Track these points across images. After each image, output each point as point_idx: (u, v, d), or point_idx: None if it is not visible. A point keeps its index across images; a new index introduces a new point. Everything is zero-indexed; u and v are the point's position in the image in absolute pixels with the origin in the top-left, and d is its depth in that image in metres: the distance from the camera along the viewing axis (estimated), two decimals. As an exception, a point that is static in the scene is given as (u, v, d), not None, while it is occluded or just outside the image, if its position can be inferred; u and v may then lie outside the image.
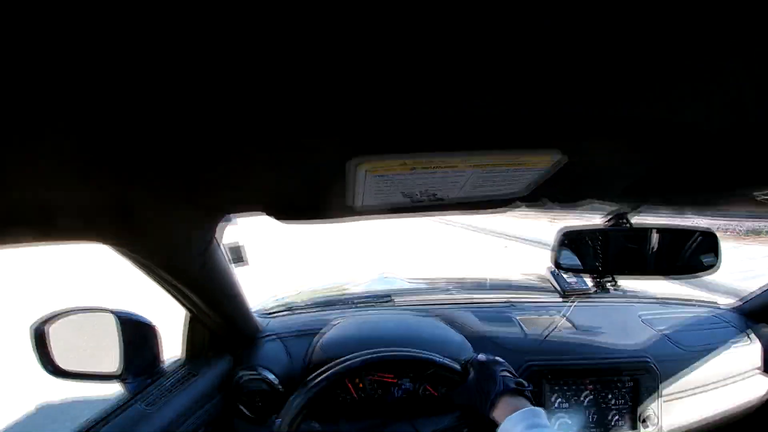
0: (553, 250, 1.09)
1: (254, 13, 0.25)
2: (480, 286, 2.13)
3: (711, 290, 5.34)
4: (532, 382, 1.24)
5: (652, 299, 1.81)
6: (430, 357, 0.99)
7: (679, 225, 1.11)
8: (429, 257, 9.15)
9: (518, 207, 0.80)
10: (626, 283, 1.64)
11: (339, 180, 0.56)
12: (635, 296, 1.83)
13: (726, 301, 1.77)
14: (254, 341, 1.37)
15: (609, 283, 1.37)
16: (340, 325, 1.43)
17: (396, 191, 0.60)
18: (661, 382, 1.29)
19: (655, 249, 1.07)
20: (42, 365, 0.93)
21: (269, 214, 0.74)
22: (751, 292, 1.65)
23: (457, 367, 0.96)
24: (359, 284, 2.23)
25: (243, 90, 0.33)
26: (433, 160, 0.51)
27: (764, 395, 1.46)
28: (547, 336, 1.40)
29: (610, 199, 0.91)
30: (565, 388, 1.26)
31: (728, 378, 1.43)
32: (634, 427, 1.26)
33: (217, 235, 0.92)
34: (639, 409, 1.26)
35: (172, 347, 1.23)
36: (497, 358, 0.98)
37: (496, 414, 0.85)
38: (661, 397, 1.28)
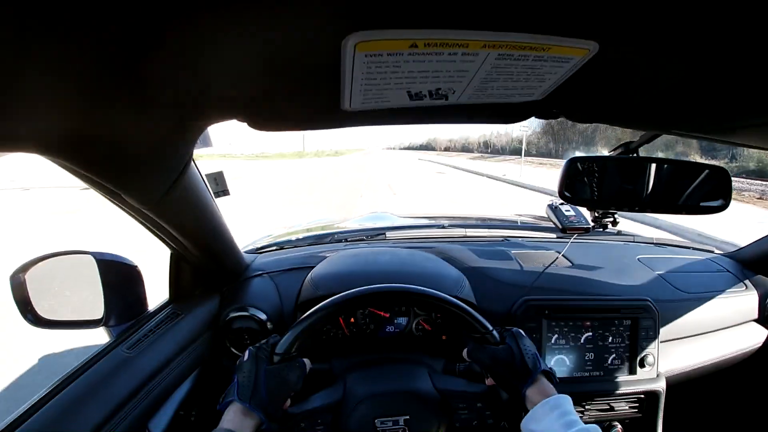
0: (560, 179, 1.03)
1: None
2: (475, 222, 2.11)
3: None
4: (530, 319, 1.23)
5: (648, 241, 1.81)
6: (467, 309, 0.93)
7: (690, 160, 1.06)
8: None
9: (530, 117, 0.74)
10: (622, 225, 1.64)
11: (331, 70, 0.48)
12: (631, 237, 1.83)
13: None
14: (242, 279, 1.33)
15: (609, 221, 1.34)
16: (331, 259, 1.40)
17: (393, 81, 0.52)
18: (659, 324, 1.28)
19: (664, 183, 1.01)
20: (22, 315, 0.90)
21: (248, 120, 0.64)
22: (749, 242, 1.65)
23: (491, 328, 0.92)
24: (351, 221, 2.20)
25: None
26: (442, 38, 0.43)
27: (757, 344, 1.48)
28: (544, 272, 1.38)
29: (625, 121, 0.84)
30: (563, 326, 1.24)
31: (724, 325, 1.44)
32: (631, 368, 1.26)
33: (194, 160, 0.83)
34: (637, 351, 1.26)
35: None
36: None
37: (530, 392, 0.83)
38: (659, 339, 1.27)
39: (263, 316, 1.20)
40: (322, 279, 1.27)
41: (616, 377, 1.25)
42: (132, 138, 0.60)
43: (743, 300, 1.47)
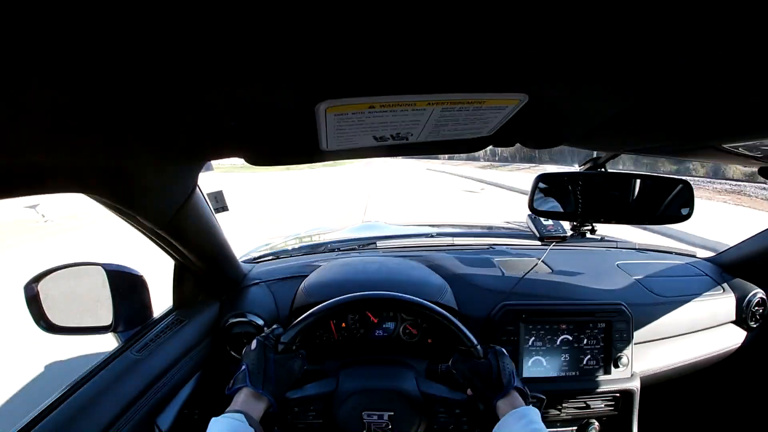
0: (529, 194, 1.11)
1: None
2: (462, 230, 2.17)
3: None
4: (508, 323, 1.30)
5: (630, 247, 1.86)
6: (456, 323, 1.01)
7: (653, 173, 1.12)
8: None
9: (487, 147, 0.82)
10: (606, 231, 1.68)
11: (308, 122, 0.57)
12: (614, 243, 1.88)
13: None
14: (240, 287, 1.41)
15: (587, 230, 1.41)
16: (323, 268, 1.47)
17: (360, 131, 0.62)
18: (634, 327, 1.34)
19: (629, 196, 1.08)
20: (36, 322, 0.96)
21: (246, 158, 0.76)
22: (729, 246, 1.70)
23: (476, 344, 1.00)
24: (343, 230, 2.26)
25: (213, 35, 0.34)
26: (394, 101, 0.52)
27: (735, 345, 1.53)
28: (523, 278, 1.45)
29: (581, 143, 0.92)
30: (540, 329, 1.31)
31: (701, 327, 1.50)
32: (606, 369, 1.32)
33: (198, 183, 0.94)
34: (612, 352, 1.31)
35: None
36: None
37: (502, 404, 0.91)
38: (633, 341, 1.33)
39: (260, 322, 1.28)
40: (315, 287, 1.35)
41: (592, 377, 1.31)
42: (151, 174, 0.73)
43: (721, 303, 1.53)
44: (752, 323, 1.55)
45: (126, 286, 1.10)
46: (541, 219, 1.52)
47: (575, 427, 1.36)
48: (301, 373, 0.99)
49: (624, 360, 1.32)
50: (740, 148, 0.74)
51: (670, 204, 1.11)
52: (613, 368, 1.32)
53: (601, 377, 1.31)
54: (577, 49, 0.41)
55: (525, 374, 1.29)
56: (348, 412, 1.01)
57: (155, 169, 0.73)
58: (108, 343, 1.10)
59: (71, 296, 1.05)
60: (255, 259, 1.67)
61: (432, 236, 1.91)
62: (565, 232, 1.50)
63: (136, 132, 0.55)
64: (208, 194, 1.09)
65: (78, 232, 9.01)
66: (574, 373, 1.31)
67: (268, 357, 0.93)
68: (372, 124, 0.58)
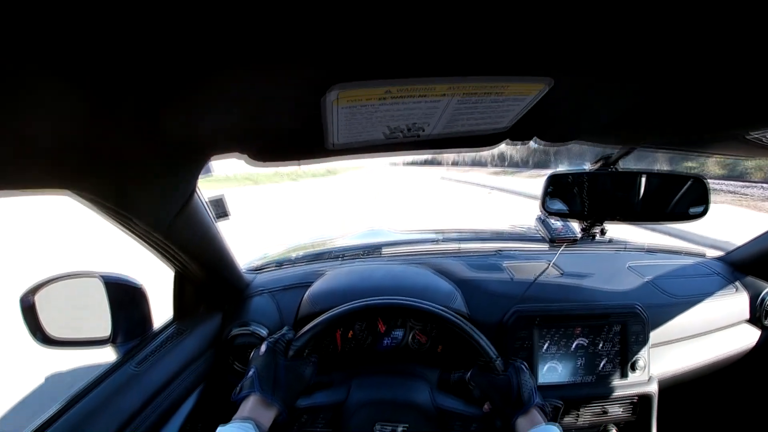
0: (541, 194, 1.08)
1: None
2: (468, 236, 2.14)
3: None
4: (521, 328, 1.27)
5: (639, 248, 1.83)
6: (476, 336, 0.97)
7: (666, 171, 1.10)
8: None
9: (502, 142, 0.79)
10: (614, 233, 1.66)
11: (316, 113, 0.54)
12: (623, 245, 1.85)
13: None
14: (243, 297, 1.37)
15: (597, 231, 1.38)
16: (328, 276, 1.44)
17: (370, 124, 0.59)
18: (649, 329, 1.31)
19: (642, 194, 1.06)
20: (32, 335, 0.93)
21: (248, 154, 0.72)
22: (739, 245, 1.68)
23: (497, 357, 0.96)
24: (348, 237, 2.24)
25: (214, 14, 0.31)
26: (409, 86, 0.49)
27: (750, 344, 1.50)
28: (534, 282, 1.42)
29: (598, 138, 0.89)
30: (554, 333, 1.28)
31: (715, 327, 1.47)
32: (623, 372, 1.29)
33: (197, 187, 0.90)
34: (628, 355, 1.29)
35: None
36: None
37: (522, 421, 0.88)
38: (649, 343, 1.31)
39: (264, 332, 1.24)
40: (320, 295, 1.31)
41: (608, 382, 1.28)
42: (148, 173, 0.68)
43: (734, 301, 1.50)
44: (766, 322, 1.52)
45: (125, 297, 1.07)
46: (551, 221, 1.49)
47: None
48: (312, 381, 0.94)
49: (641, 363, 1.29)
50: (765, 138, 0.71)
51: (686, 202, 1.08)
52: (630, 372, 1.28)
53: (618, 381, 1.28)
54: (605, 31, 0.39)
55: (540, 381, 1.26)
56: (359, 423, 0.98)
57: (152, 169, 0.68)
58: (107, 356, 1.06)
59: (68, 308, 1.02)
60: (257, 268, 1.64)
61: (438, 241, 1.88)
62: (576, 234, 1.47)
63: (129, 120, 0.51)
64: (209, 200, 1.06)
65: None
66: (590, 379, 1.28)
67: (278, 362, 0.89)
68: (386, 113, 0.55)
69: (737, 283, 1.55)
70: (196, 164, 0.78)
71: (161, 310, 1.20)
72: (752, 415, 1.62)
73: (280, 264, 1.66)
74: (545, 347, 1.27)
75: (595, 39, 0.41)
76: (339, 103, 0.50)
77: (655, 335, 1.35)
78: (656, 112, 0.68)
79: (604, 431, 1.31)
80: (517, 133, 0.75)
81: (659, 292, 1.45)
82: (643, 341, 1.29)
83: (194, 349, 1.13)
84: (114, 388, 0.91)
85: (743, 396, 1.64)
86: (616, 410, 1.29)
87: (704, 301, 1.45)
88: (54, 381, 3.05)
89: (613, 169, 1.09)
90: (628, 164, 1.08)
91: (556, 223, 1.50)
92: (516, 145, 0.82)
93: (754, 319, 1.52)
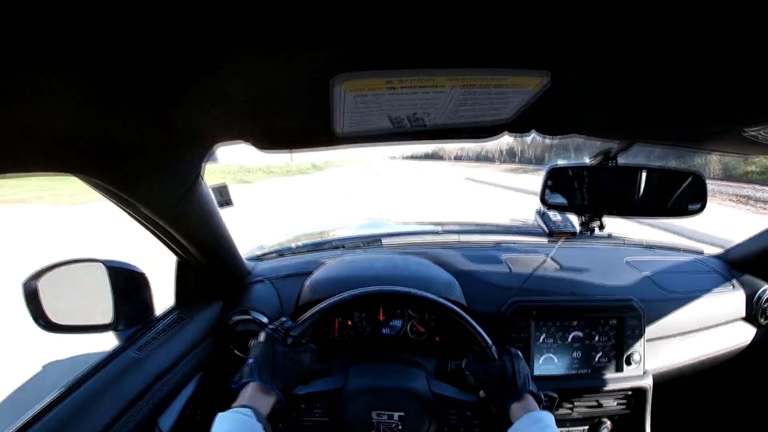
0: (541, 187, 1.08)
1: None
2: (468, 228, 2.15)
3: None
4: (519, 319, 1.28)
5: (638, 243, 1.84)
6: (472, 323, 0.98)
7: (665, 166, 1.11)
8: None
9: (503, 134, 0.80)
10: (613, 228, 1.67)
11: (322, 102, 0.55)
12: (622, 240, 1.86)
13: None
14: (244, 284, 1.39)
15: (596, 225, 1.39)
16: (329, 265, 1.45)
17: (376, 113, 0.59)
18: (645, 323, 1.32)
19: (641, 189, 1.06)
20: (34, 320, 0.93)
21: (253, 143, 0.73)
22: (736, 243, 1.69)
23: (491, 345, 0.97)
24: (349, 227, 2.24)
25: (220, 4, 0.32)
26: (413, 78, 0.50)
27: (745, 342, 1.52)
28: (532, 274, 1.43)
29: (596, 132, 0.90)
30: (551, 326, 1.29)
31: (711, 323, 1.48)
32: (618, 366, 1.30)
33: (202, 175, 0.91)
34: (623, 349, 1.30)
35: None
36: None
37: (515, 407, 0.88)
38: (645, 338, 1.32)
39: (265, 320, 1.26)
40: (320, 284, 1.32)
41: (603, 374, 1.29)
42: (154, 160, 0.70)
43: (730, 299, 1.51)
44: (762, 320, 1.53)
45: (127, 283, 1.08)
46: (550, 214, 1.50)
47: (587, 426, 1.33)
48: (311, 369, 0.95)
49: (636, 357, 1.30)
50: (761, 135, 0.72)
51: (685, 198, 1.08)
52: (625, 365, 1.30)
53: (613, 375, 1.29)
54: (603, 26, 0.40)
55: (536, 372, 1.27)
56: (357, 410, 0.99)
57: (158, 154, 0.70)
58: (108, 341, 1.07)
59: (71, 294, 1.03)
60: (258, 256, 1.65)
61: (437, 233, 1.89)
62: (575, 228, 1.47)
63: (137, 108, 0.52)
64: (213, 187, 1.06)
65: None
66: (585, 371, 1.29)
67: (277, 350, 0.89)
68: (389, 104, 0.56)
69: (734, 281, 1.56)
70: (202, 152, 0.79)
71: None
72: (746, 411, 1.64)
73: (280, 253, 1.67)
74: (542, 339, 1.28)
75: (593, 33, 0.42)
76: (345, 92, 0.51)
77: (651, 330, 1.36)
78: (654, 107, 0.69)
79: (599, 424, 1.32)
80: (517, 125, 0.76)
81: (656, 287, 1.46)
82: (639, 336, 1.30)
83: (195, 335, 1.14)
84: (115, 373, 0.92)
85: (738, 393, 1.65)
86: (610, 403, 1.30)
87: (701, 298, 1.46)
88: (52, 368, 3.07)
89: (613, 164, 1.10)
90: (629, 159, 1.09)
91: (556, 216, 1.50)
92: (516, 137, 0.82)
93: (750, 317, 1.53)
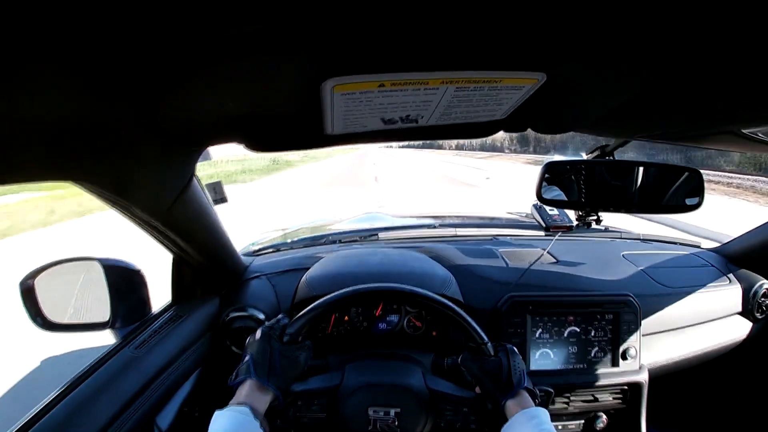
0: (537, 182, 1.08)
1: None
2: (464, 222, 2.15)
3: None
4: (515, 314, 1.28)
5: (634, 237, 1.84)
6: (468, 320, 0.98)
7: (663, 162, 1.11)
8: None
9: (498, 132, 0.80)
10: (610, 221, 1.67)
11: (313, 103, 0.54)
12: (618, 234, 1.86)
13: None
14: (240, 281, 1.38)
15: (592, 220, 1.39)
16: (325, 260, 1.45)
17: (368, 114, 0.59)
18: (641, 318, 1.32)
19: (638, 185, 1.06)
20: (31, 319, 0.93)
21: (246, 143, 0.72)
22: (733, 237, 1.69)
23: (486, 341, 0.98)
24: (345, 222, 2.24)
25: (213, 5, 0.31)
26: (402, 80, 0.49)
27: (741, 336, 1.52)
28: (529, 269, 1.43)
29: (593, 129, 0.90)
30: (547, 320, 1.29)
31: (707, 318, 1.48)
32: (614, 361, 1.31)
33: (196, 173, 0.90)
34: (619, 344, 1.30)
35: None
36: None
37: (511, 404, 0.89)
38: (641, 332, 1.32)
39: (262, 316, 1.25)
40: (317, 280, 1.32)
41: (599, 369, 1.30)
42: (146, 161, 0.69)
43: (727, 293, 1.51)
44: (758, 314, 1.53)
45: (124, 281, 1.08)
46: (547, 208, 1.50)
47: (582, 421, 1.34)
48: (307, 366, 0.96)
49: (632, 352, 1.30)
50: (760, 134, 0.72)
51: (681, 193, 1.09)
52: (621, 360, 1.30)
53: (609, 369, 1.30)
54: (597, 26, 0.39)
55: (532, 367, 1.27)
56: (353, 407, 0.99)
57: (150, 156, 0.69)
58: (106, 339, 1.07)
59: (68, 292, 1.02)
60: (254, 252, 1.65)
61: (434, 227, 1.89)
62: (571, 222, 1.47)
63: (128, 109, 0.52)
64: (207, 185, 1.06)
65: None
66: (581, 366, 1.30)
67: (273, 348, 0.89)
68: (381, 104, 0.55)
69: (731, 275, 1.56)
70: (194, 152, 0.79)
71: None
72: (741, 406, 1.65)
73: (276, 248, 1.67)
74: (538, 334, 1.29)
75: (588, 36, 0.42)
76: (336, 92, 0.50)
77: (647, 325, 1.36)
78: (650, 106, 0.68)
79: (594, 418, 1.33)
80: (512, 123, 0.76)
81: (653, 281, 1.46)
82: (635, 330, 1.31)
83: (192, 332, 1.14)
84: (114, 371, 0.92)
85: (733, 387, 1.66)
86: (606, 398, 1.31)
87: (697, 292, 1.46)
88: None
89: (610, 159, 1.10)
90: (623, 156, 1.09)
91: (552, 210, 1.50)
92: (512, 134, 0.82)
93: (746, 312, 1.53)
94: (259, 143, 0.73)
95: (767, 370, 1.57)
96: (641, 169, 1.07)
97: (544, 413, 0.85)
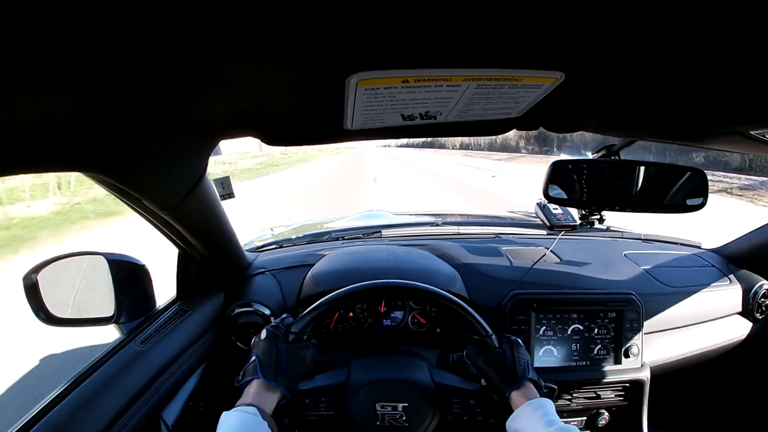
0: (544, 180, 1.08)
1: None
2: (468, 220, 2.15)
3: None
4: (520, 312, 1.29)
5: (636, 237, 1.85)
6: (471, 312, 0.99)
7: (668, 162, 1.10)
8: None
9: (511, 130, 0.80)
10: (612, 220, 1.67)
11: (335, 98, 0.54)
12: (620, 233, 1.87)
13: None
14: (245, 276, 1.38)
15: (595, 219, 1.39)
16: (331, 257, 1.45)
17: (389, 110, 0.59)
18: (643, 317, 1.33)
19: (643, 184, 1.06)
20: (35, 314, 0.93)
21: (262, 137, 0.72)
22: (734, 238, 1.70)
23: (491, 333, 0.98)
24: (347, 219, 2.24)
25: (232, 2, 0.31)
26: (428, 75, 0.50)
27: (741, 336, 1.53)
28: (533, 267, 1.43)
29: (602, 129, 0.90)
30: (551, 318, 1.30)
31: (708, 317, 1.49)
32: (617, 358, 1.32)
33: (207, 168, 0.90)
34: (622, 342, 1.31)
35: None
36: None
37: (516, 395, 0.89)
38: (643, 331, 1.33)
39: (267, 311, 1.26)
40: (323, 276, 1.33)
41: (602, 367, 1.31)
42: (161, 155, 0.69)
43: (727, 294, 1.52)
44: (758, 315, 1.54)
45: (128, 276, 1.08)
46: (550, 207, 1.50)
47: (585, 418, 1.35)
48: (313, 364, 0.96)
49: (634, 350, 1.31)
50: (767, 135, 0.72)
51: (684, 193, 1.08)
52: (623, 358, 1.31)
53: (612, 367, 1.31)
54: (616, 26, 0.40)
55: (536, 364, 1.28)
56: (361, 403, 0.99)
57: (165, 149, 0.69)
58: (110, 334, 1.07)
59: (72, 287, 1.02)
60: (258, 248, 1.65)
61: (437, 225, 1.89)
62: (575, 221, 1.47)
63: (145, 104, 0.52)
64: (215, 180, 1.06)
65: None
66: (584, 363, 1.30)
67: (279, 347, 0.89)
68: (403, 100, 0.56)
69: (731, 276, 1.57)
70: (209, 146, 0.78)
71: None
72: (741, 404, 1.66)
73: (280, 244, 1.67)
74: (542, 331, 1.29)
75: (606, 35, 0.42)
76: (359, 90, 0.50)
77: (649, 323, 1.37)
78: (661, 106, 0.69)
79: (596, 415, 1.34)
80: (525, 121, 0.76)
81: (654, 281, 1.47)
82: (638, 329, 1.32)
83: (197, 328, 1.14)
84: (120, 366, 0.92)
85: (733, 386, 1.68)
86: (608, 395, 1.32)
87: (698, 292, 1.47)
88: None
89: (616, 159, 1.09)
90: (629, 156, 1.09)
91: (556, 209, 1.50)
92: (528, 133, 0.83)
93: (746, 312, 1.54)
94: (275, 137, 0.73)
95: (767, 370, 1.58)
96: (644, 168, 1.07)
97: (549, 404, 0.86)
